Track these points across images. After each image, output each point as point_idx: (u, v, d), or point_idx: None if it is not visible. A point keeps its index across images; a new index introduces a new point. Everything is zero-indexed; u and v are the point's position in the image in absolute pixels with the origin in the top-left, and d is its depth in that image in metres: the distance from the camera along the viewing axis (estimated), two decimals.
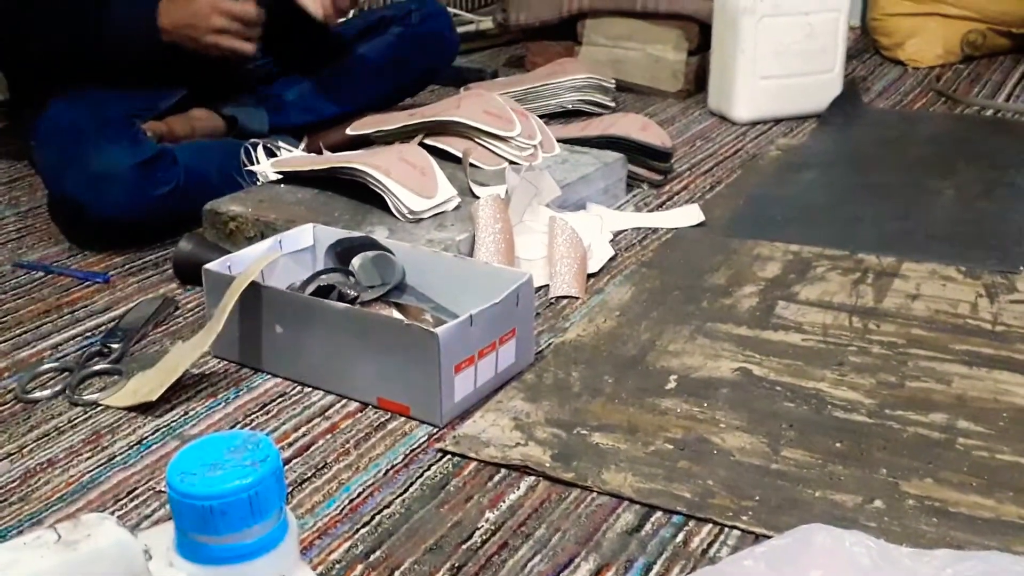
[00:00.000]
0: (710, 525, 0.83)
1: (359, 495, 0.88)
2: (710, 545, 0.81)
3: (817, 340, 1.12)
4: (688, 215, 1.47)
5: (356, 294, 1.08)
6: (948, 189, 1.58)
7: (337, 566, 0.79)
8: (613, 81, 2.01)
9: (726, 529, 0.83)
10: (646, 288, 1.25)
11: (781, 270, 1.30)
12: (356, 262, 1.12)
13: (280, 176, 1.42)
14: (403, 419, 0.99)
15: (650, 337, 1.13)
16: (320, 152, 1.52)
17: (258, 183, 1.42)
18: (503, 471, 0.91)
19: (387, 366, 0.98)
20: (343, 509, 0.86)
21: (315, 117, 1.68)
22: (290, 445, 0.95)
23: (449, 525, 0.84)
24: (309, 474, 0.91)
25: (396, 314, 1.08)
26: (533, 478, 0.90)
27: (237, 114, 1.58)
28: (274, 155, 1.47)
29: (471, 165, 1.45)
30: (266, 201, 1.35)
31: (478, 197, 1.34)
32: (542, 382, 1.05)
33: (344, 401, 1.02)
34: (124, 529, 0.52)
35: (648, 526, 0.83)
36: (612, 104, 1.98)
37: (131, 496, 0.88)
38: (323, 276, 1.11)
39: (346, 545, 0.82)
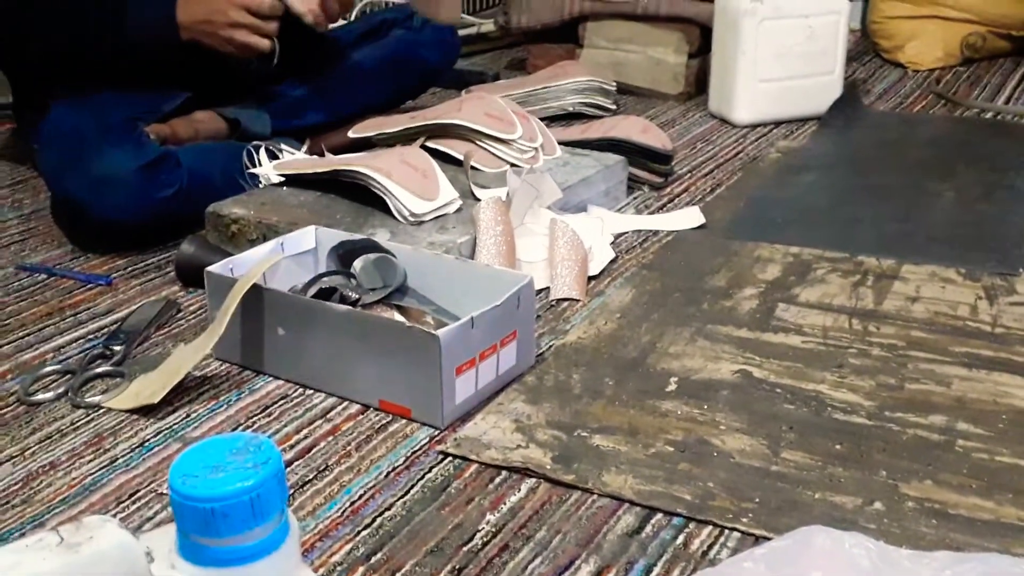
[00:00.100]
0: (710, 527, 0.84)
1: (360, 497, 0.88)
2: (710, 547, 0.82)
3: (817, 342, 1.13)
4: (689, 217, 1.47)
5: (358, 296, 1.08)
6: (948, 191, 1.58)
7: (338, 568, 0.80)
8: (614, 84, 2.01)
9: (726, 531, 0.83)
10: (647, 290, 1.26)
11: (781, 272, 1.30)
12: (358, 264, 1.12)
13: (282, 179, 1.43)
14: (404, 421, 0.99)
15: (651, 339, 1.14)
16: (322, 154, 1.52)
17: (260, 185, 1.43)
18: (504, 473, 0.91)
19: (388, 368, 0.99)
20: (344, 511, 0.86)
21: (317, 120, 1.68)
22: (292, 447, 0.95)
23: (450, 527, 0.84)
24: (311, 476, 0.91)
25: (397, 316, 1.09)
26: (534, 480, 0.90)
27: (240, 116, 1.59)
28: (276, 157, 1.48)
29: (472, 168, 1.45)
30: (268, 203, 1.35)
31: (479, 199, 1.34)
32: (543, 384, 1.05)
33: (345, 403, 1.02)
34: (126, 531, 0.53)
35: (648, 528, 0.84)
36: (613, 107, 1.99)
37: (133, 498, 0.88)
38: (325, 278, 1.11)
39: (347, 547, 0.82)
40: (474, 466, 0.92)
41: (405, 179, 1.32)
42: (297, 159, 1.49)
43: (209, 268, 1.10)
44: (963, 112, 2.04)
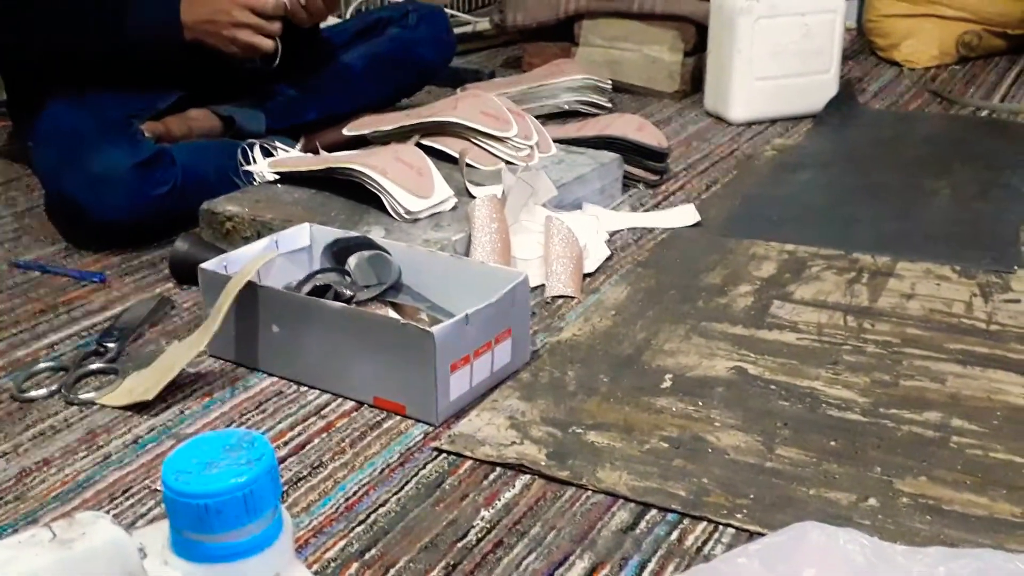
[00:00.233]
0: (705, 523, 0.84)
1: (354, 494, 0.88)
2: (704, 543, 0.82)
3: (812, 339, 1.13)
4: (684, 215, 1.47)
5: (352, 293, 1.08)
6: (943, 189, 1.58)
7: (332, 564, 0.80)
8: (609, 82, 2.01)
9: (720, 527, 0.83)
10: (642, 288, 1.26)
11: (776, 270, 1.30)
12: (352, 262, 1.12)
13: (277, 176, 1.42)
14: (399, 418, 0.99)
15: (646, 336, 1.14)
16: (317, 152, 1.52)
17: (255, 183, 1.42)
18: (498, 470, 0.91)
19: (383, 365, 0.99)
20: (338, 507, 0.86)
21: (312, 117, 1.68)
22: (286, 444, 0.95)
23: (444, 523, 0.84)
24: (304, 473, 0.91)
25: (392, 313, 1.09)
26: (528, 476, 0.90)
27: (234, 114, 1.58)
28: (271, 155, 1.48)
29: (468, 165, 1.45)
30: (263, 201, 1.35)
31: (474, 197, 1.34)
32: (538, 381, 1.05)
33: (340, 400, 1.02)
34: (119, 527, 0.53)
35: (643, 524, 0.84)
36: (609, 105, 1.99)
37: (126, 495, 0.88)
38: (319, 276, 1.11)
39: (341, 543, 0.82)
40: (468, 463, 0.92)
41: (400, 176, 1.32)
42: (292, 157, 1.49)
43: (203, 265, 1.10)
44: (958, 110, 2.04)
